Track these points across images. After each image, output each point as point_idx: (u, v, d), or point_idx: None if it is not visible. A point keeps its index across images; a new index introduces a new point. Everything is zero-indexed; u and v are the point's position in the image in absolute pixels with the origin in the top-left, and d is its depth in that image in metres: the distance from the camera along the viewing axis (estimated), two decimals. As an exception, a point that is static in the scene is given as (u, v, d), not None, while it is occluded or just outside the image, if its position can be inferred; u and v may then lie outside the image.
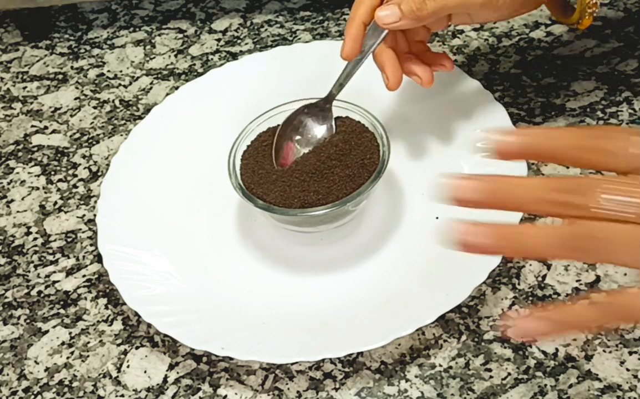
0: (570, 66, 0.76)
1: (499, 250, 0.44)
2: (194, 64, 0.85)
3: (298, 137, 0.64)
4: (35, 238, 0.70)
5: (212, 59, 0.86)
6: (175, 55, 0.87)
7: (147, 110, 0.78)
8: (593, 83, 0.74)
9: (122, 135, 0.78)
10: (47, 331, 0.63)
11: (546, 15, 0.82)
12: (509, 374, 0.55)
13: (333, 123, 0.64)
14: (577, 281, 0.60)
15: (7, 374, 0.60)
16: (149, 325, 0.60)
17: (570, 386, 0.54)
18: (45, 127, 0.81)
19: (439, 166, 0.68)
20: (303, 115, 0.65)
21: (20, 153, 0.79)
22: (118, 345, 0.61)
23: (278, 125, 0.66)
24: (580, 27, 0.66)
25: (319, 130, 0.64)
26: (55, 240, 0.69)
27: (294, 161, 0.63)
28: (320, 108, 0.65)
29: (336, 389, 0.56)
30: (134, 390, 0.58)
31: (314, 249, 0.65)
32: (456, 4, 0.59)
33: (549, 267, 0.61)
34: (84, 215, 0.71)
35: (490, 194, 0.42)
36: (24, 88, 0.86)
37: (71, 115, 0.82)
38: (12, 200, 0.74)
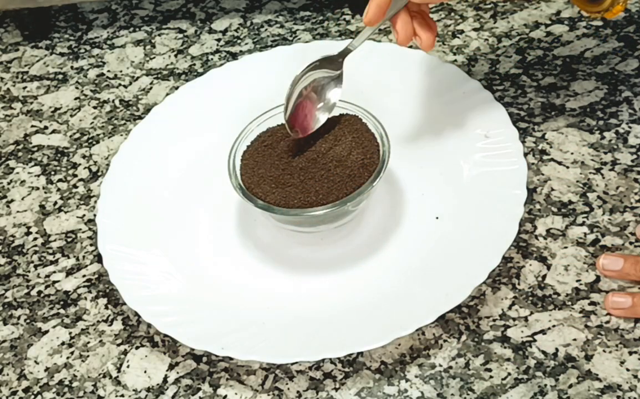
0: (570, 66, 0.76)
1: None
2: (194, 64, 0.85)
3: (310, 94, 0.63)
4: (35, 238, 0.70)
5: (212, 59, 0.86)
6: (175, 55, 0.87)
7: (147, 110, 0.78)
8: (593, 83, 0.74)
9: (122, 135, 0.78)
10: (47, 331, 0.63)
11: (546, 15, 0.82)
12: (509, 374, 0.55)
13: (342, 78, 0.64)
14: (577, 281, 0.60)
15: (7, 374, 0.60)
16: (149, 325, 0.60)
17: (570, 386, 0.54)
18: (45, 127, 0.81)
19: (439, 166, 0.68)
20: (314, 70, 0.64)
21: (20, 153, 0.79)
22: (118, 345, 0.61)
23: (278, 125, 0.66)
24: (607, 15, 0.64)
25: (329, 86, 0.64)
26: (55, 240, 0.69)
27: (294, 161, 0.63)
28: (332, 62, 0.64)
29: (336, 389, 0.56)
30: (134, 390, 0.58)
31: (314, 249, 0.65)
32: None
33: (549, 267, 0.61)
34: (84, 215, 0.71)
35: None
36: (24, 88, 0.86)
37: (71, 115, 0.82)
38: (12, 200, 0.74)
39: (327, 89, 0.64)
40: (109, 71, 0.86)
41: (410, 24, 0.61)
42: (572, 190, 0.65)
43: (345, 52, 0.64)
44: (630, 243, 0.61)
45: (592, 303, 0.58)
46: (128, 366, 0.59)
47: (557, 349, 0.56)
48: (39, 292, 0.66)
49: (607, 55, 0.76)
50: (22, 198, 0.74)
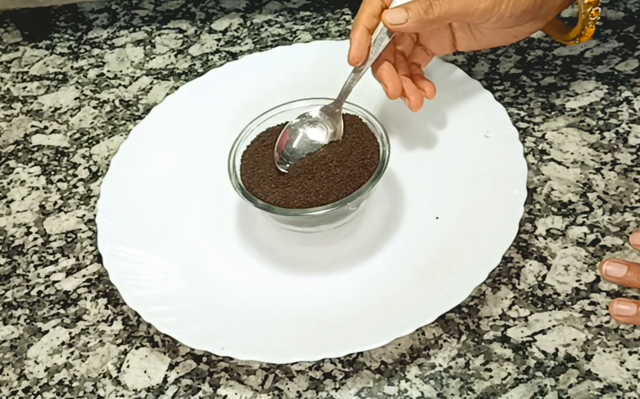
0: (570, 66, 0.76)
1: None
2: (194, 64, 0.85)
3: (306, 136, 0.64)
4: (35, 238, 0.70)
5: (212, 59, 0.86)
6: (175, 55, 0.87)
7: (147, 110, 0.78)
8: (593, 83, 0.74)
9: (122, 135, 0.78)
10: (47, 331, 0.63)
11: (546, 15, 0.82)
12: (509, 374, 0.55)
13: (342, 124, 0.64)
14: (577, 281, 0.60)
15: (7, 374, 0.60)
16: (149, 325, 0.60)
17: (570, 386, 0.54)
18: (45, 127, 0.81)
19: (439, 166, 0.68)
20: (314, 114, 0.65)
21: (20, 153, 0.79)
22: (118, 345, 0.61)
23: (278, 125, 0.66)
24: (582, 39, 0.66)
25: (325, 132, 0.64)
26: (55, 240, 0.69)
27: (294, 161, 0.63)
28: (330, 112, 0.65)
29: (336, 389, 0.56)
30: (134, 390, 0.58)
31: (314, 249, 0.65)
32: (460, 9, 0.60)
33: (549, 267, 0.61)
34: (84, 215, 0.71)
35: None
36: (24, 88, 0.86)
37: (71, 115, 0.82)
38: (12, 200, 0.74)
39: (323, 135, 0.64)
40: (109, 71, 0.86)
41: (397, 76, 0.64)
42: (572, 190, 0.66)
43: (338, 102, 0.65)
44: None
45: (592, 303, 0.58)
46: (128, 366, 0.59)
47: (557, 349, 0.56)
48: (39, 292, 0.66)
49: (607, 55, 0.76)
50: (22, 198, 0.74)
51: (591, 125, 0.70)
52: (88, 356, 0.60)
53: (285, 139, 0.64)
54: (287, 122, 0.65)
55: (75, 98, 0.84)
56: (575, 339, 0.56)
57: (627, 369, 0.54)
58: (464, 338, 0.58)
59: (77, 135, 0.79)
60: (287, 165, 0.62)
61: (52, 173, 0.76)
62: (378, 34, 0.63)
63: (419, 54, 0.68)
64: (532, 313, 0.58)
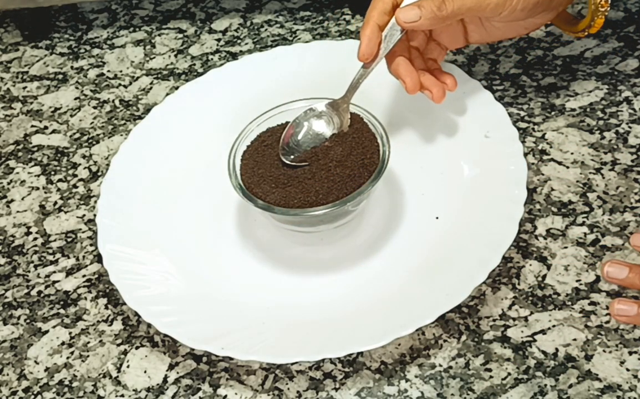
0: (570, 66, 0.76)
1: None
2: (194, 64, 0.85)
3: (311, 128, 0.64)
4: (35, 238, 0.70)
5: (212, 59, 0.86)
6: (175, 55, 0.87)
7: (147, 110, 0.78)
8: (593, 83, 0.74)
9: (122, 135, 0.78)
10: (47, 331, 0.63)
11: (546, 15, 0.82)
12: (509, 374, 0.55)
13: (348, 119, 0.64)
14: (577, 281, 0.60)
15: (7, 374, 0.60)
16: (149, 325, 0.60)
17: (570, 386, 0.54)
18: (45, 127, 0.81)
19: (439, 166, 0.68)
20: (320, 108, 0.65)
21: (20, 153, 0.79)
22: (118, 345, 0.61)
23: (278, 125, 0.66)
24: (591, 30, 0.66)
25: (332, 126, 0.64)
26: (55, 240, 0.69)
27: (294, 161, 0.63)
28: (337, 107, 0.65)
29: (336, 389, 0.56)
30: (134, 390, 0.58)
31: (314, 249, 0.65)
32: (473, 4, 0.61)
33: (549, 267, 0.61)
34: (84, 215, 0.71)
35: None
36: (24, 88, 0.86)
37: (71, 115, 0.82)
38: (12, 200, 0.74)
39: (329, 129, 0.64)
40: (109, 71, 0.86)
41: (414, 71, 0.64)
42: (572, 190, 0.66)
43: (346, 98, 0.65)
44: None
45: (592, 303, 0.58)
46: (128, 366, 0.59)
47: (557, 349, 0.56)
48: (39, 292, 0.66)
49: (607, 55, 0.76)
50: (22, 198, 0.74)
51: (591, 125, 0.70)
52: (88, 356, 0.60)
53: (291, 132, 0.64)
54: (287, 122, 0.66)
55: (75, 98, 0.84)
56: (575, 339, 0.56)
57: (627, 369, 0.54)
58: (464, 338, 0.58)
59: (77, 135, 0.79)
60: (291, 156, 0.62)
61: (52, 173, 0.76)
62: (388, 31, 0.63)
63: (434, 49, 0.68)
64: (532, 313, 0.58)
